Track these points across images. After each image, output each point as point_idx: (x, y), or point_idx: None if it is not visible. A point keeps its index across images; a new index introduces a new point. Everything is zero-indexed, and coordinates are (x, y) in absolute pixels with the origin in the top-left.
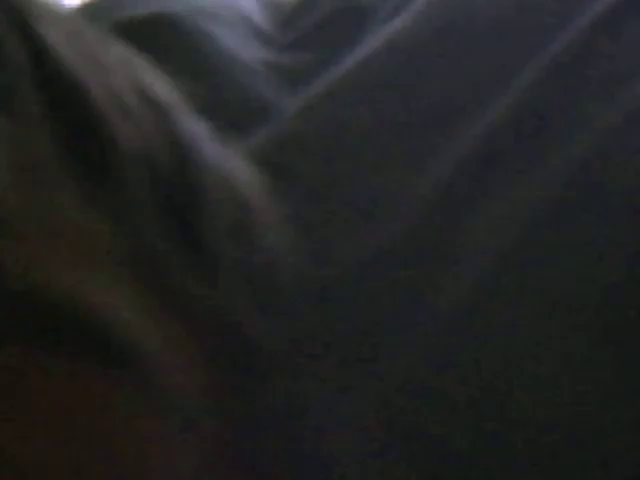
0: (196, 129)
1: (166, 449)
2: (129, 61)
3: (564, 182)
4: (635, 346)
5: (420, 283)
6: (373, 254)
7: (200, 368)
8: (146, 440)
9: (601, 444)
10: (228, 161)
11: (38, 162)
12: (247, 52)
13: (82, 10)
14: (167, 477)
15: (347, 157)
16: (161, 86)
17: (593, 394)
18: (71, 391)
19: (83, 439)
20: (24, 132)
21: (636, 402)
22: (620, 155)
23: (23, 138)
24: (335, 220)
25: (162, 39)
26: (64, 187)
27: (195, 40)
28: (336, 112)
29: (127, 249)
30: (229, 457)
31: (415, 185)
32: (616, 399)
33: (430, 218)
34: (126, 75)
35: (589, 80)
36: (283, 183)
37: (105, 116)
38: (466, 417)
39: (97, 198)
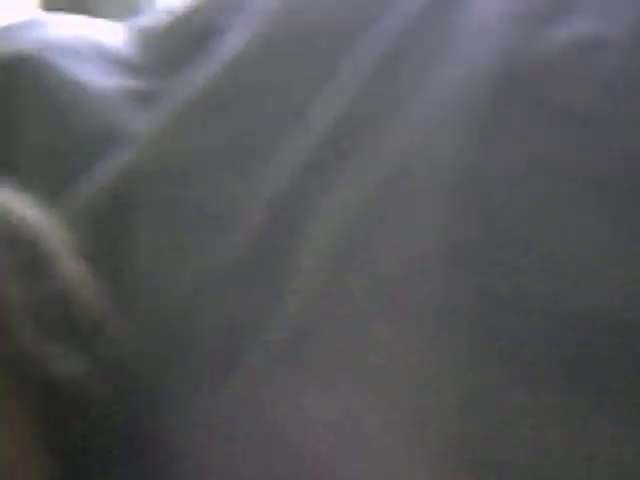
0: None
1: None
2: None
3: (375, 182)
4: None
5: (266, 290)
6: (220, 266)
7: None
8: None
9: None
10: (7, 203)
11: None
12: (100, 81)
13: None
14: None
15: (190, 178)
16: None
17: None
18: None
19: None
20: None
21: None
22: (426, 153)
23: None
24: (181, 237)
25: (10, 76)
26: None
27: (43, 74)
28: (181, 135)
29: None
30: None
31: (253, 196)
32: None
33: (269, 225)
34: None
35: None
36: (128, 210)
37: None
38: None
39: None
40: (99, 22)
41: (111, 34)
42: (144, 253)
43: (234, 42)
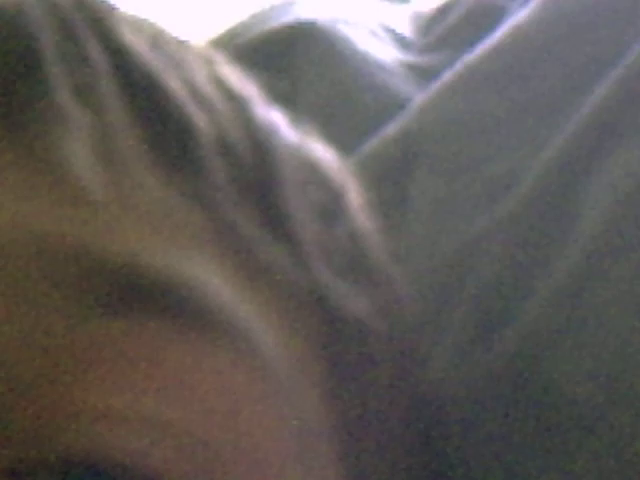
0: (273, 117)
1: (263, 412)
2: (208, 58)
3: None
4: None
5: (542, 248)
6: (497, 224)
7: (290, 338)
8: (245, 403)
9: None
10: (309, 146)
11: (120, 149)
12: (384, 54)
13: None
14: (262, 440)
15: (473, 139)
16: (239, 80)
17: None
18: (174, 358)
19: (183, 400)
20: (105, 123)
21: None
22: None
23: (104, 128)
24: (459, 197)
25: (301, 44)
26: (146, 171)
27: (332, 44)
28: (462, 99)
29: (210, 227)
30: (333, 427)
31: (535, 161)
32: None
33: (548, 188)
34: (204, 70)
35: None
36: (409, 167)
37: (181, 105)
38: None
39: (177, 181)
40: (376, 2)
41: (388, 13)
42: (421, 209)
43: (515, 16)
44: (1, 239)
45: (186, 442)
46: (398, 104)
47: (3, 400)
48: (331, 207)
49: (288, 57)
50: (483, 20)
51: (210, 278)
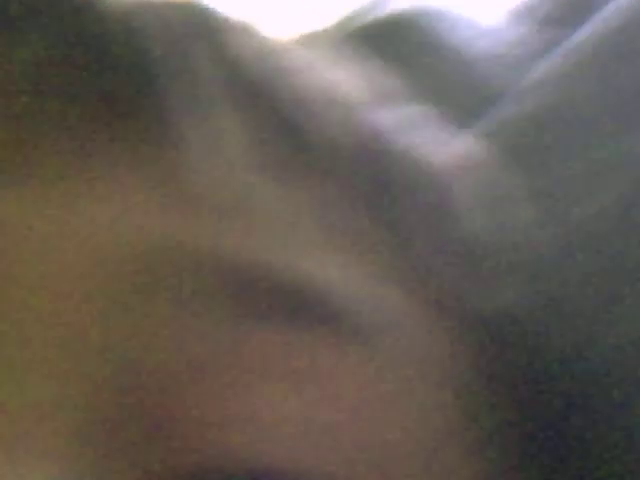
0: (384, 119)
1: (397, 413)
2: (316, 63)
3: None
4: None
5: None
6: (597, 213)
7: (425, 339)
8: (381, 403)
9: None
10: (419, 147)
11: (235, 158)
12: (484, 43)
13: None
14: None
15: (578, 125)
16: (349, 82)
17: None
18: (317, 361)
19: (330, 402)
20: (219, 132)
21: None
22: None
23: (218, 137)
24: (566, 183)
25: (404, 35)
26: (263, 179)
27: (432, 34)
28: (568, 83)
29: (332, 229)
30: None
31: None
32: None
33: None
34: (312, 75)
35: None
36: (513, 158)
37: (292, 113)
38: None
39: (293, 185)
40: None
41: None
42: (527, 197)
43: None
44: (140, 252)
45: (343, 445)
46: (498, 93)
47: (155, 405)
48: (443, 209)
49: (393, 47)
50: (589, 1)
51: (344, 280)
